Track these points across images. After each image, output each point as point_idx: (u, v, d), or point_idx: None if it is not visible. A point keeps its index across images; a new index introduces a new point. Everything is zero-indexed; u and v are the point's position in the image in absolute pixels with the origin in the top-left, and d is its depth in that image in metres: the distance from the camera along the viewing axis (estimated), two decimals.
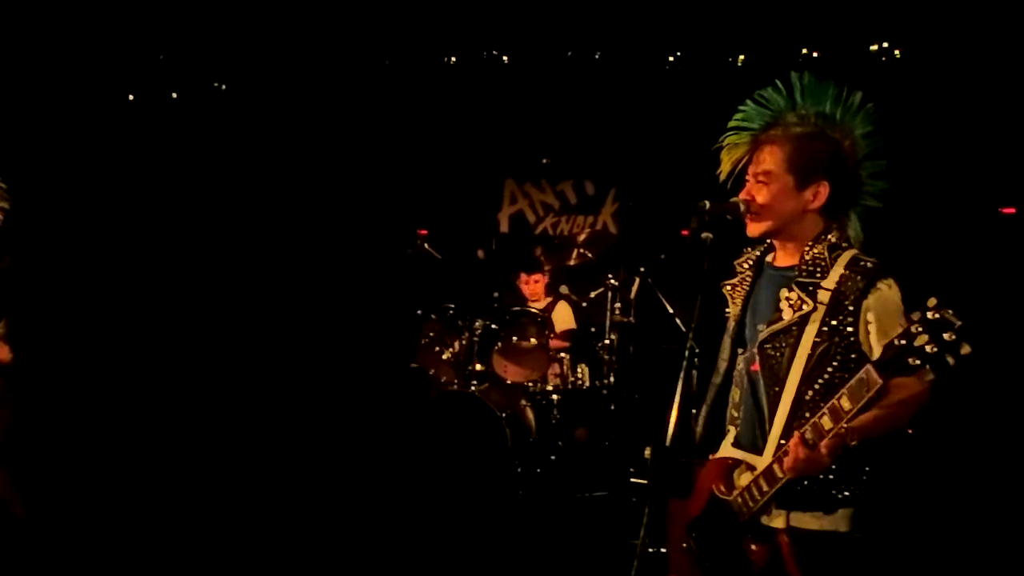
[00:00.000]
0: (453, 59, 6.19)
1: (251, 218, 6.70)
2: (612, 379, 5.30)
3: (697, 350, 2.21)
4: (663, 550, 2.09)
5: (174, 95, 6.43)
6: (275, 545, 4.15)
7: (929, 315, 1.71)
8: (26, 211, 5.72)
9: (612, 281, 5.35)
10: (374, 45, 6.11)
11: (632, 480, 4.39)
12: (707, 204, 2.09)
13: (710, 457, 2.25)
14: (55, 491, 3.83)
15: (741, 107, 2.25)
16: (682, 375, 1.97)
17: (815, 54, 5.54)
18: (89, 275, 6.29)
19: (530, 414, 5.22)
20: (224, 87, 6.45)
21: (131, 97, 6.41)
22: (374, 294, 6.55)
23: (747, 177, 2.18)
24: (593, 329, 5.51)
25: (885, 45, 5.52)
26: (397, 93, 6.57)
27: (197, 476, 4.98)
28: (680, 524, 2.22)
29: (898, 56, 5.57)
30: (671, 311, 5.18)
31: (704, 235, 2.07)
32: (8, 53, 5.54)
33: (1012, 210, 5.47)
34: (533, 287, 5.70)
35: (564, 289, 5.84)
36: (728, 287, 2.30)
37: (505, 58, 6.20)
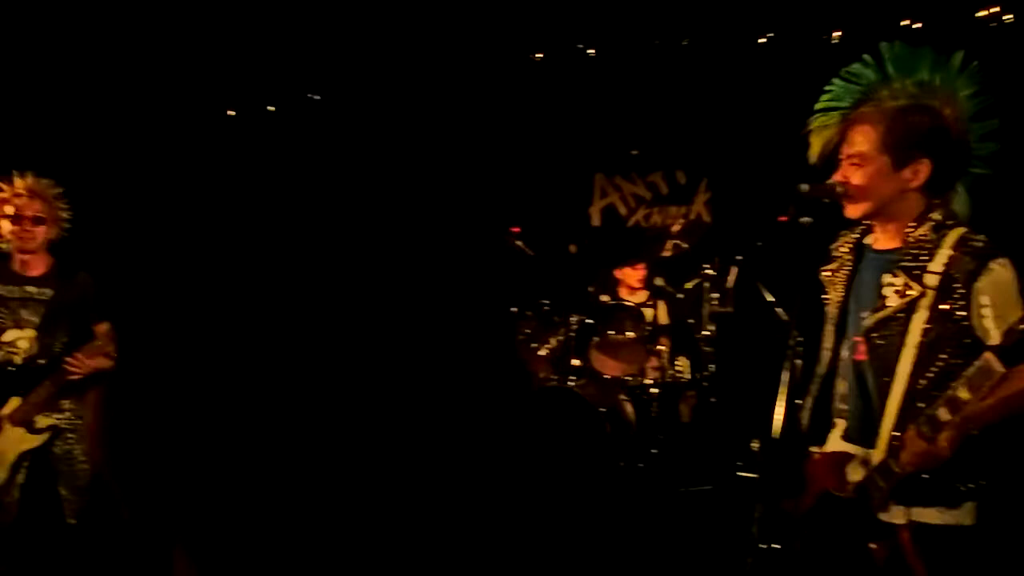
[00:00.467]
0: (539, 55, 6.17)
1: (348, 222, 6.85)
2: (713, 371, 5.20)
3: (800, 339, 2.13)
4: (776, 546, 2.03)
5: (271, 108, 6.65)
6: (380, 535, 4.24)
7: None
8: (125, 225, 6.06)
9: (709, 271, 5.24)
10: (461, 46, 6.15)
11: (740, 474, 4.29)
12: (804, 187, 2.01)
13: (819, 451, 2.18)
14: (161, 493, 4.00)
15: (828, 86, 2.16)
16: (787, 366, 1.91)
17: (916, 25, 5.25)
18: (195, 284, 6.56)
19: (629, 408, 5.18)
20: (318, 97, 6.63)
21: (231, 113, 6.66)
22: (470, 294, 6.61)
23: (840, 158, 2.09)
24: (691, 321, 5.42)
25: (995, 10, 5.19)
26: (484, 92, 6.61)
27: (301, 470, 5.11)
28: (792, 520, 2.15)
29: (1010, 21, 5.23)
30: (770, 300, 5.04)
31: (803, 220, 2.00)
32: (108, 75, 5.82)
33: None
34: (640, 274, 5.65)
35: (659, 281, 5.76)
36: (827, 274, 2.21)
37: (591, 51, 6.14)
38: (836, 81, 2.15)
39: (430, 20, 5.77)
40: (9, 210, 3.42)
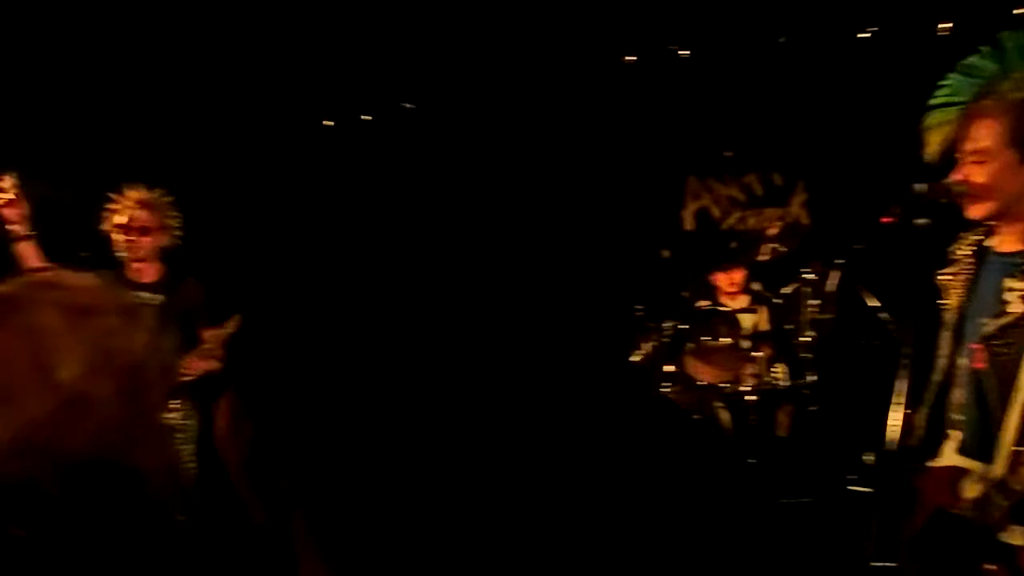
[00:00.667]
0: (632, 58, 6.10)
1: (443, 227, 6.92)
2: (812, 378, 5.04)
3: (912, 346, 2.03)
4: (891, 565, 1.93)
5: (366, 117, 6.79)
6: (499, 534, 4.23)
7: None
8: (226, 238, 6.27)
9: (808, 275, 5.09)
10: (553, 51, 6.15)
11: (852, 488, 4.13)
12: (921, 187, 1.92)
13: (933, 465, 2.07)
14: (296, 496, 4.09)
15: (944, 81, 2.06)
16: (900, 374, 1.82)
17: None
18: (293, 294, 6.73)
19: (725, 416, 5.07)
20: (412, 106, 6.74)
21: (328, 123, 6.83)
22: (561, 298, 6.59)
23: (958, 155, 1.98)
24: (789, 326, 5.26)
25: None
26: (576, 98, 6.58)
27: (420, 473, 5.12)
28: (904, 538, 2.05)
29: None
30: (874, 305, 4.84)
31: (920, 221, 1.91)
32: (217, 89, 6.05)
33: None
34: (733, 278, 5.53)
35: (756, 286, 5.63)
36: (945, 278, 2.10)
37: (685, 52, 6.04)
38: (952, 76, 2.05)
39: (521, 25, 5.79)
40: (120, 220, 3.60)
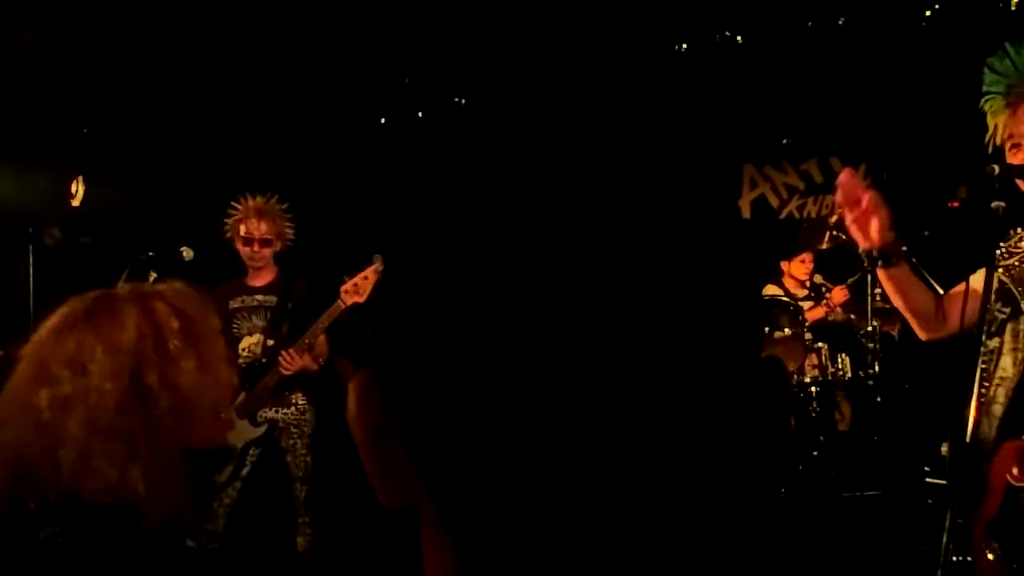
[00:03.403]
0: (684, 46, 6.03)
1: (505, 224, 6.91)
2: (877, 369, 4.92)
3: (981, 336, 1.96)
4: (968, 559, 1.87)
5: (419, 114, 6.83)
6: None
7: None
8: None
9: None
10: (605, 41, 6.10)
11: (928, 480, 4.03)
12: (995, 169, 1.85)
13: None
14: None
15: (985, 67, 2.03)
16: (973, 364, 1.77)
17: None
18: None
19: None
20: (463, 101, 6.75)
21: (382, 120, 6.88)
22: (620, 290, 6.53)
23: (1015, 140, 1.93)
24: (853, 316, 5.15)
25: None
26: (629, 87, 6.51)
27: (555, 456, 5.10)
28: (980, 527, 1.98)
29: None
30: (941, 293, 4.70)
31: (995, 204, 1.84)
32: (271, 91, 6.13)
33: None
34: (808, 267, 5.44)
35: (818, 278, 5.53)
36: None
37: (739, 38, 5.93)
38: (986, 68, 2.02)
39: (574, 16, 5.75)
40: (242, 231, 3.74)
